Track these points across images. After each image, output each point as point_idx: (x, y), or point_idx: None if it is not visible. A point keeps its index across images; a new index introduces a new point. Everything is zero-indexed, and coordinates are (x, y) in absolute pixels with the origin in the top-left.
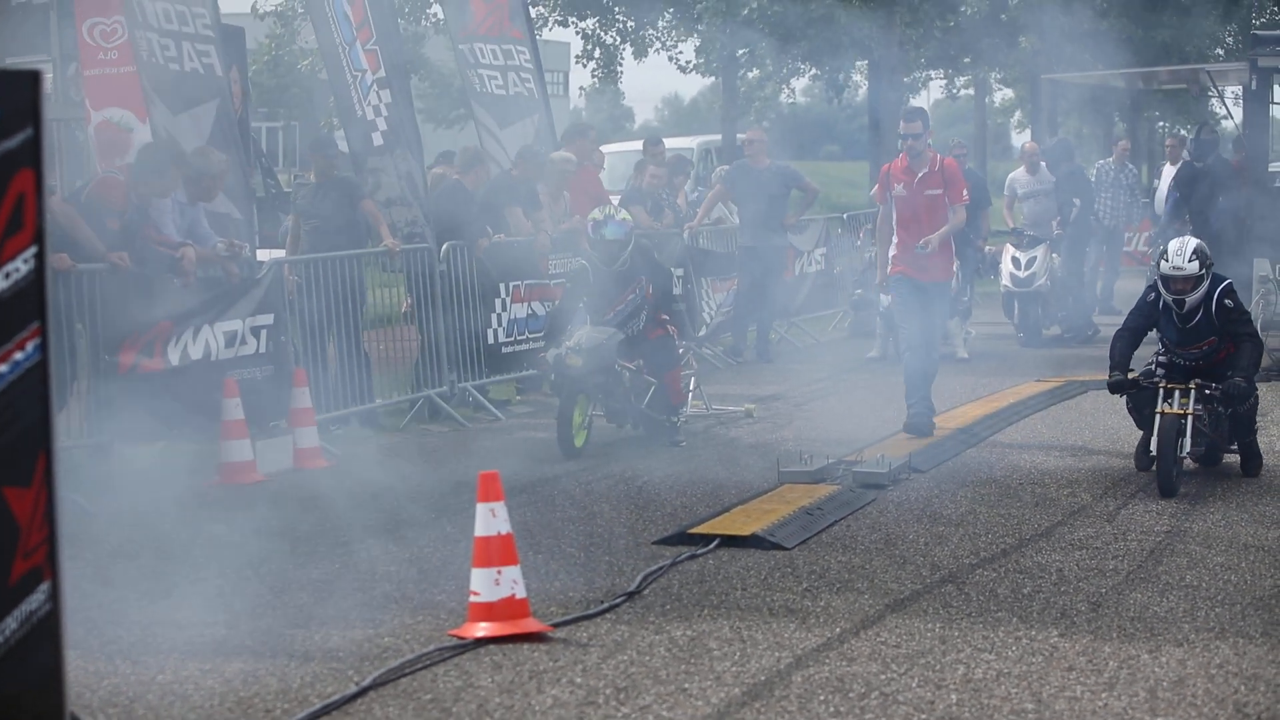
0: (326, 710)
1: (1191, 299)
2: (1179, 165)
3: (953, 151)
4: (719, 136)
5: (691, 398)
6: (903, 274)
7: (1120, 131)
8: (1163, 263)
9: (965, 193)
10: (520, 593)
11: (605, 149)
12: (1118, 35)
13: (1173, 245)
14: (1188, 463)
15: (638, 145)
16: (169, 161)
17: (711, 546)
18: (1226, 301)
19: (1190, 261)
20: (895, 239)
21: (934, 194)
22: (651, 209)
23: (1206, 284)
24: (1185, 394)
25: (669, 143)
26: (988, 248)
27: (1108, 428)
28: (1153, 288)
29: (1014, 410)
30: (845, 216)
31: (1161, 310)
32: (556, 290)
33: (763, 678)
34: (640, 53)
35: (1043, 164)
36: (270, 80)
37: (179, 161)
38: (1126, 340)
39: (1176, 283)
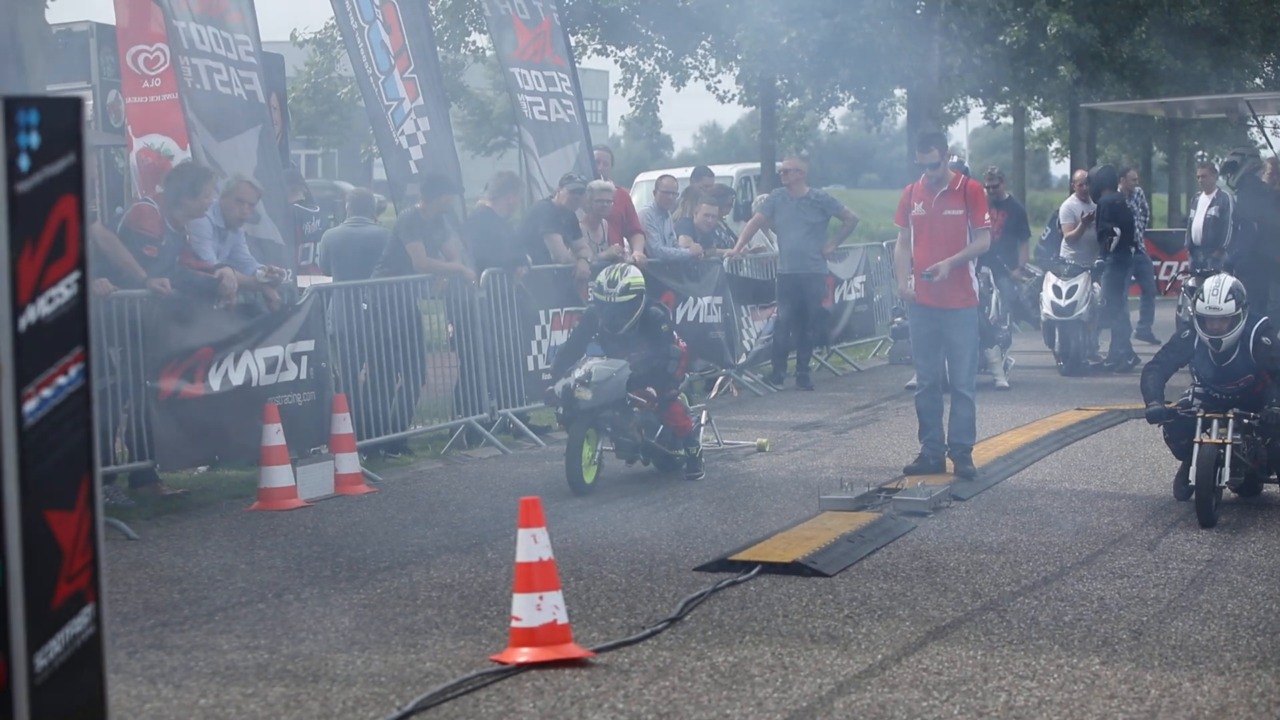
0: None
1: (1228, 338)
2: (1214, 194)
3: (986, 182)
4: (758, 165)
5: (703, 431)
6: (919, 304)
7: (1160, 161)
8: (1199, 302)
9: (987, 217)
10: (562, 618)
11: (642, 177)
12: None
13: (1209, 285)
14: (1227, 492)
15: (674, 173)
16: (200, 181)
17: (753, 573)
18: (1264, 339)
19: (1226, 301)
20: (914, 265)
21: (953, 214)
22: (701, 239)
23: (1243, 323)
24: (1224, 423)
25: None
26: (1024, 278)
27: (1148, 457)
28: (1188, 325)
29: (1054, 439)
30: (885, 244)
31: (1197, 348)
32: None
33: (804, 704)
34: (679, 82)
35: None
36: (309, 107)
37: (209, 180)
38: (1158, 373)
39: (1213, 322)
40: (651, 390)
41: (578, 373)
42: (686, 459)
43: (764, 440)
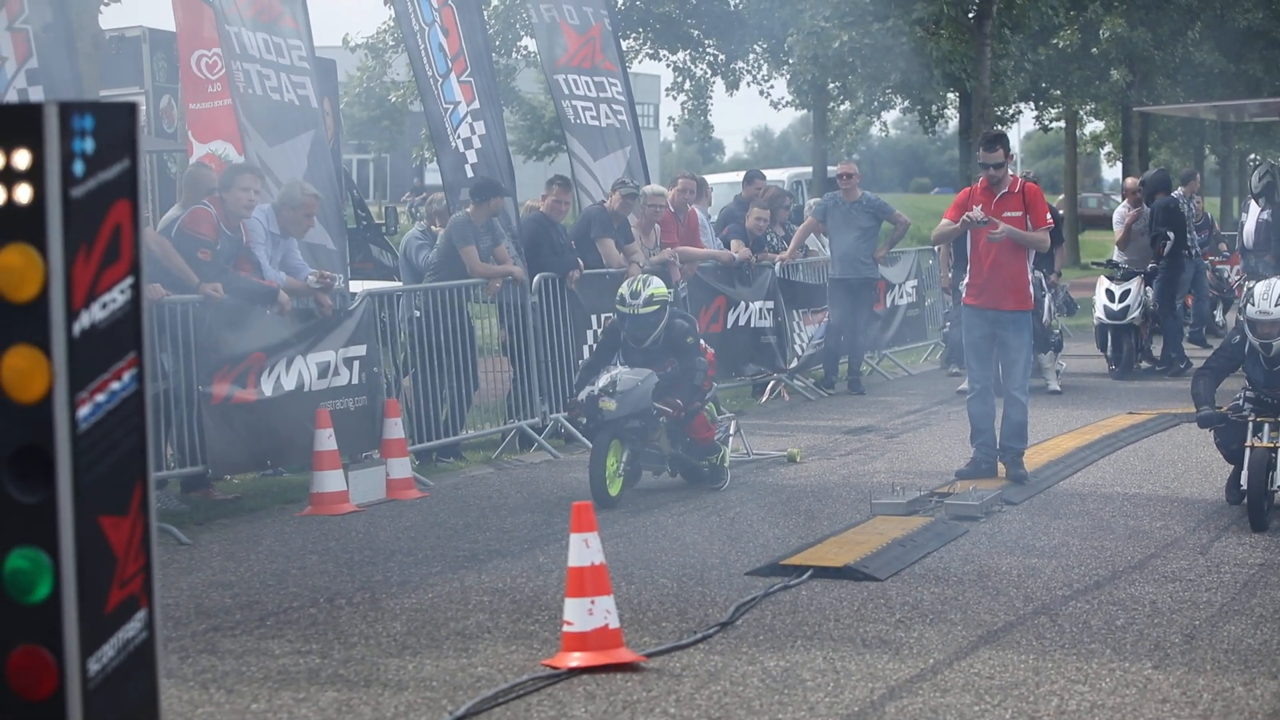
0: None
1: (1279, 342)
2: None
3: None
4: (809, 169)
5: (732, 442)
6: (973, 306)
7: (1213, 164)
8: (1249, 307)
9: (1048, 217)
10: (613, 623)
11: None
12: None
13: (1259, 289)
14: (1279, 497)
15: (727, 177)
16: (232, 174)
17: (804, 577)
18: None
19: (1278, 305)
20: (969, 267)
21: (1014, 216)
22: (752, 244)
23: None
24: (1275, 427)
25: None
26: (1065, 283)
27: (1200, 460)
28: (1239, 330)
29: (1106, 443)
30: (936, 249)
31: (1248, 353)
32: None
33: (856, 709)
34: (731, 86)
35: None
36: (361, 112)
37: (240, 172)
38: (1209, 379)
39: (1264, 326)
40: (678, 400)
41: (602, 382)
42: (709, 469)
43: (795, 450)
